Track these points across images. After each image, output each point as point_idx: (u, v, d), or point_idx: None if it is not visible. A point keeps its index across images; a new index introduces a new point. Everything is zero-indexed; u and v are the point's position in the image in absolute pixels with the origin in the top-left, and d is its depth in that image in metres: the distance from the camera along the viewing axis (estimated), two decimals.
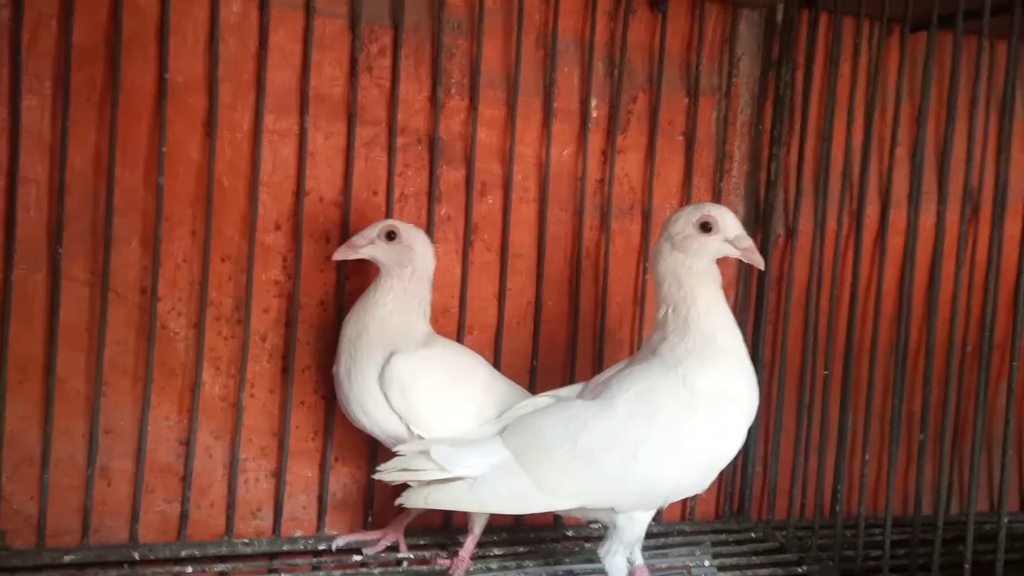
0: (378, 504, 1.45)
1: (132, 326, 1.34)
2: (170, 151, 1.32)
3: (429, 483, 1.14)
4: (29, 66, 1.26)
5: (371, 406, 1.26)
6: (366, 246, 1.27)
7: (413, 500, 1.14)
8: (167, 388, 1.36)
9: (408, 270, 1.27)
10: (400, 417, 1.25)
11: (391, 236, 1.27)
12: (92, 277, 1.31)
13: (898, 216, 1.59)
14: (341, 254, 1.28)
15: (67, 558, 1.28)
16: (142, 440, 1.34)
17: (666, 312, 1.16)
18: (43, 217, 1.29)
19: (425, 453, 1.14)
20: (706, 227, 1.14)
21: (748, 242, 1.15)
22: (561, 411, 1.16)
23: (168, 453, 1.37)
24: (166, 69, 1.31)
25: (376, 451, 1.43)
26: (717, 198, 1.61)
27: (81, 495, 1.31)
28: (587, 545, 1.44)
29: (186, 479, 1.36)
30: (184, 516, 1.36)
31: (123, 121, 1.30)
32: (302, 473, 1.43)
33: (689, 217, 1.15)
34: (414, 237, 1.28)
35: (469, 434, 1.20)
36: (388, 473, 1.15)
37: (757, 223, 1.64)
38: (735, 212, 1.59)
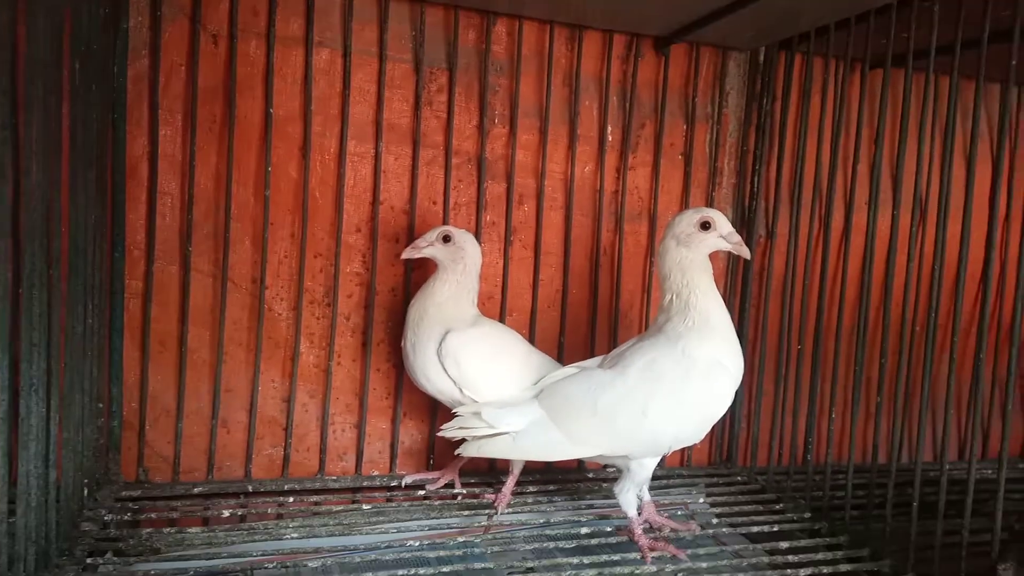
0: (438, 451, 1.47)
1: (245, 308, 1.36)
2: (274, 170, 1.34)
3: (481, 438, 1.16)
4: (164, 103, 1.29)
5: (432, 373, 1.26)
6: (427, 247, 1.28)
7: (469, 450, 1.16)
8: (273, 357, 1.38)
9: (460, 266, 1.28)
10: (455, 382, 1.25)
11: (447, 239, 1.28)
12: (215, 270, 1.34)
13: (859, 219, 1.57)
14: (407, 254, 1.28)
15: (196, 490, 1.31)
16: (254, 398, 1.36)
17: (671, 298, 1.16)
18: (176, 223, 1.32)
19: (477, 414, 1.17)
20: (705, 226, 1.14)
21: (737, 237, 1.16)
22: (585, 378, 1.16)
23: (274, 408, 1.39)
24: (271, 105, 1.33)
25: (436, 409, 1.44)
26: (711, 205, 1.60)
27: (207, 440, 1.35)
28: (604, 485, 1.45)
29: (288, 429, 1.39)
30: (286, 458, 1.39)
31: (237, 147, 1.32)
32: (378, 425, 1.45)
33: (692, 218, 1.15)
34: (465, 240, 1.29)
35: (512, 398, 1.21)
36: (449, 431, 1.17)
37: (742, 226, 1.62)
38: (726, 216, 1.62)
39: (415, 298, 1.31)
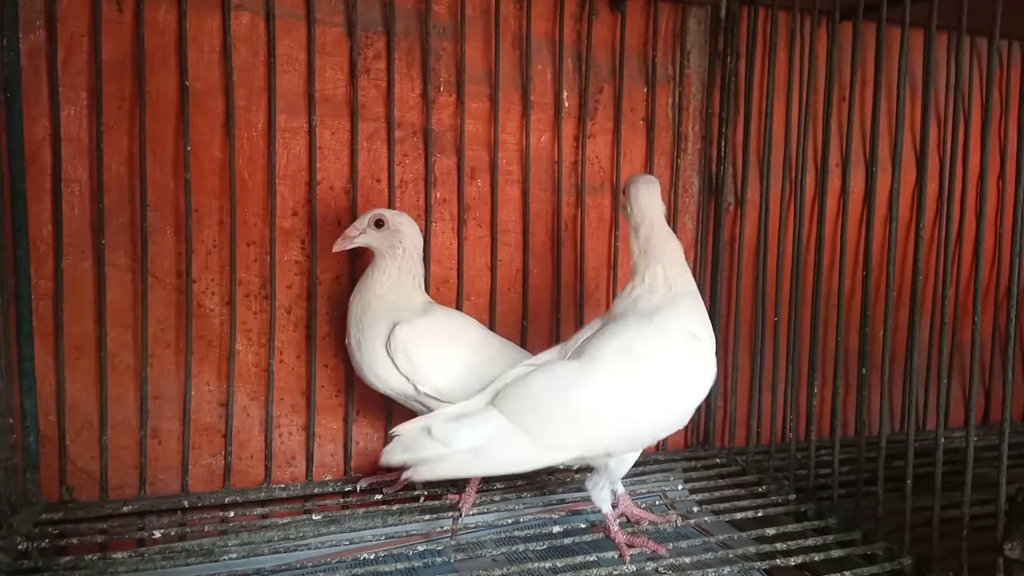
0: None
1: (171, 305, 1.26)
2: (195, 150, 1.24)
3: (432, 459, 0.98)
4: (65, 80, 1.18)
5: (381, 370, 1.19)
6: (359, 236, 1.19)
7: (421, 473, 0.95)
8: (206, 358, 1.29)
9: (399, 251, 1.19)
10: (407, 379, 1.17)
11: (379, 224, 1.19)
12: (133, 264, 1.24)
13: (833, 182, 1.52)
14: (338, 246, 1.19)
15: (126, 508, 1.21)
16: (187, 404, 1.27)
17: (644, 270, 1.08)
18: (86, 213, 1.21)
19: (426, 429, 0.98)
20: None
21: None
22: (548, 373, 1.02)
23: (210, 414, 1.30)
24: (186, 77, 1.22)
25: (392, 405, 1.36)
26: (675, 174, 1.53)
27: (136, 453, 1.25)
28: (576, 476, 1.37)
29: (227, 436, 1.30)
30: (227, 468, 1.30)
31: (151, 125, 1.22)
32: (328, 426, 1.37)
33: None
34: (400, 221, 1.20)
35: (464, 406, 1.04)
36: (394, 455, 0.96)
37: (710, 194, 1.56)
38: (691, 185, 1.56)
39: (355, 291, 1.22)
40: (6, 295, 1.13)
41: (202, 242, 1.26)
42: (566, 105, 1.45)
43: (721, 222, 1.54)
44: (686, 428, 1.58)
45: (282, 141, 1.29)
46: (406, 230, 1.20)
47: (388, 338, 1.17)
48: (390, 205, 1.34)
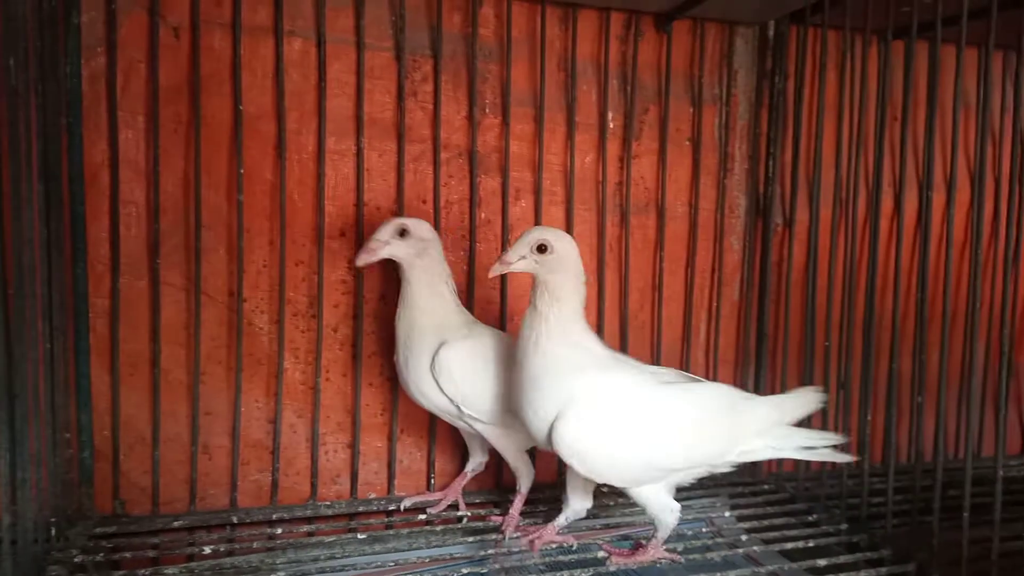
0: (439, 469, 1.38)
1: (223, 324, 1.28)
2: (247, 172, 1.26)
3: None
4: (124, 104, 1.20)
5: (427, 389, 1.18)
6: (385, 248, 1.17)
7: None
8: (255, 375, 1.30)
9: (426, 260, 1.18)
10: (451, 399, 1.16)
11: (404, 233, 1.17)
12: (187, 283, 1.25)
13: (886, 203, 1.48)
14: (363, 260, 1.16)
15: (177, 523, 1.22)
16: (236, 420, 1.28)
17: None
18: (143, 234, 1.23)
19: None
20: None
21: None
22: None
23: (259, 431, 1.31)
24: (240, 102, 1.24)
25: (435, 424, 1.36)
26: (721, 194, 1.50)
27: (187, 468, 1.26)
28: (620, 499, 1.34)
29: (275, 452, 1.30)
30: (275, 484, 1.31)
31: (206, 148, 1.24)
32: (373, 444, 1.36)
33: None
34: (421, 227, 1.18)
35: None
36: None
37: (758, 215, 1.53)
38: (738, 206, 1.53)
39: (399, 309, 1.21)
40: (65, 313, 1.15)
41: (253, 262, 1.28)
42: (611, 126, 1.43)
43: (769, 243, 1.51)
44: None
45: (331, 163, 1.30)
46: (430, 236, 1.18)
47: (433, 359, 1.16)
48: (436, 224, 1.34)
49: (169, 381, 1.25)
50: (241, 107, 1.24)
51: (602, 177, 1.43)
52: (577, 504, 1.15)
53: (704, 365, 1.54)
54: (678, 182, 1.49)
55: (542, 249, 1.04)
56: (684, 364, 1.51)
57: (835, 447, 1.12)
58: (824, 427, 1.41)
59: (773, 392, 1.50)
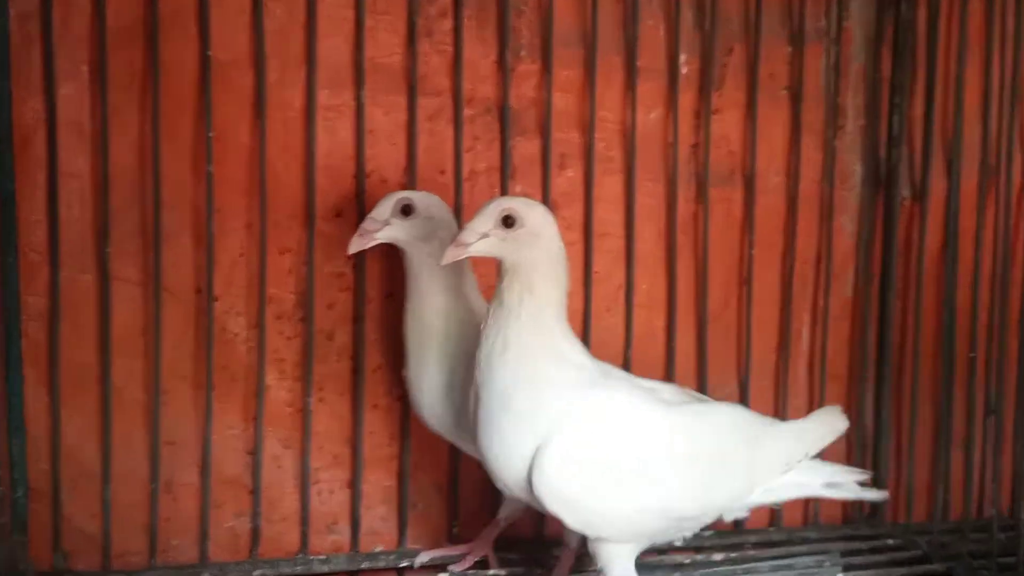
0: (464, 514, 1.37)
1: (189, 328, 1.27)
2: (218, 136, 1.25)
3: None
4: (63, 51, 1.20)
5: (444, 412, 1.17)
6: (384, 230, 1.15)
7: None
8: (230, 394, 1.29)
9: (436, 244, 1.15)
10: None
11: (407, 210, 1.15)
12: (144, 277, 1.25)
13: None
14: (356, 245, 1.15)
15: None
16: (206, 451, 1.27)
17: None
18: (88, 214, 1.23)
19: None
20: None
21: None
22: None
23: (235, 464, 1.30)
24: (208, 46, 1.23)
25: (458, 456, 1.33)
26: (829, 159, 1.46)
27: (146, 512, 1.26)
28: (697, 556, 1.33)
29: (255, 492, 1.29)
30: (255, 532, 1.30)
31: (166, 106, 1.23)
32: (379, 482, 1.35)
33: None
34: (430, 204, 1.17)
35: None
36: None
37: (878, 185, 1.48)
38: (852, 174, 1.48)
39: (406, 310, 1.20)
40: None
41: (226, 250, 1.27)
42: (684, 71, 1.40)
43: (893, 222, 1.47)
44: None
45: (324, 123, 1.29)
46: (440, 214, 1.17)
47: (452, 375, 1.16)
48: (457, 202, 1.32)
49: (123, 401, 1.25)
50: (210, 53, 1.23)
51: (673, 138, 1.41)
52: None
53: (806, 382, 1.49)
54: (772, 144, 1.45)
55: (509, 222, 1.01)
56: (781, 380, 1.47)
57: (861, 483, 1.15)
58: (967, 464, 1.36)
59: (899, 419, 1.48)
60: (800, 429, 1.15)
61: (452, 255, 1.01)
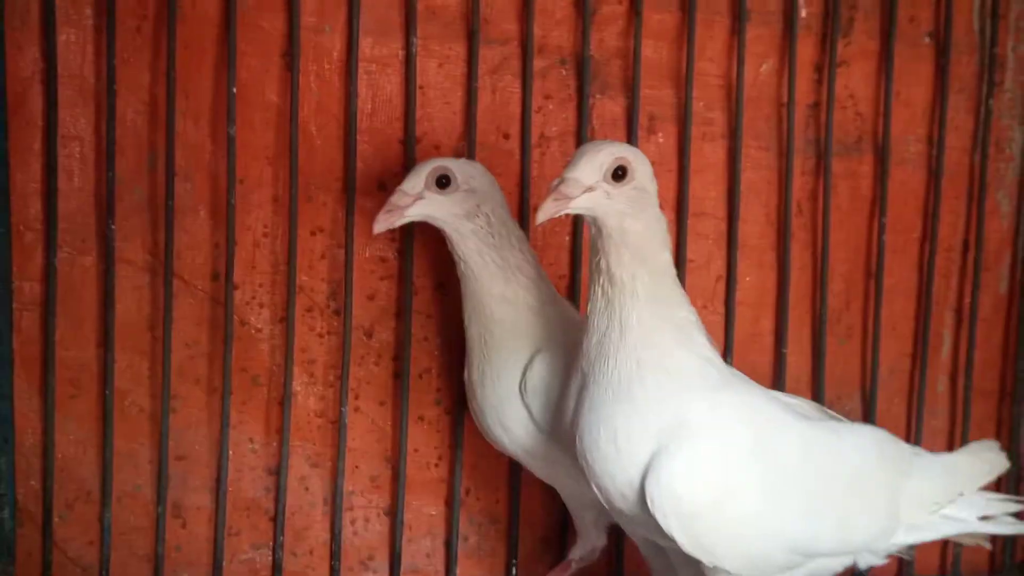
0: (524, 550, 1.41)
1: (204, 322, 1.33)
2: (242, 93, 1.30)
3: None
4: None
5: (511, 420, 1.21)
6: (414, 204, 1.18)
7: None
8: (250, 402, 1.35)
9: (481, 220, 1.19)
10: (548, 436, 1.19)
11: (444, 182, 1.18)
12: (152, 260, 1.31)
13: None
14: (381, 224, 1.18)
15: None
16: (222, 469, 1.33)
17: None
18: (90, 185, 1.29)
19: None
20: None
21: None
22: None
23: (254, 485, 1.36)
24: None
25: (519, 479, 1.39)
26: (982, 124, 1.50)
27: (150, 539, 1.32)
28: None
29: (277, 519, 1.35)
30: (277, 566, 1.35)
31: (182, 56, 1.29)
32: (424, 510, 1.40)
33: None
34: (472, 173, 1.20)
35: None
36: None
37: None
38: (1011, 142, 1.52)
39: (465, 302, 1.24)
40: None
41: (248, 228, 1.33)
42: (802, 14, 1.44)
43: None
44: (994, 541, 1.52)
45: (367, 77, 1.33)
46: (484, 186, 1.20)
47: (524, 374, 1.19)
48: (524, 173, 1.37)
49: (126, 408, 1.31)
50: None
51: (788, 97, 1.44)
52: None
53: (948, 398, 1.53)
54: (911, 105, 1.48)
55: (620, 174, 1.01)
56: (915, 395, 1.51)
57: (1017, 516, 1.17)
58: None
59: None
60: (953, 464, 1.17)
61: (550, 210, 1.00)
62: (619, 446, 1.03)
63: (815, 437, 1.08)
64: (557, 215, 1.01)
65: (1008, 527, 1.17)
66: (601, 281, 1.03)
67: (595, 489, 1.07)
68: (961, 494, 1.15)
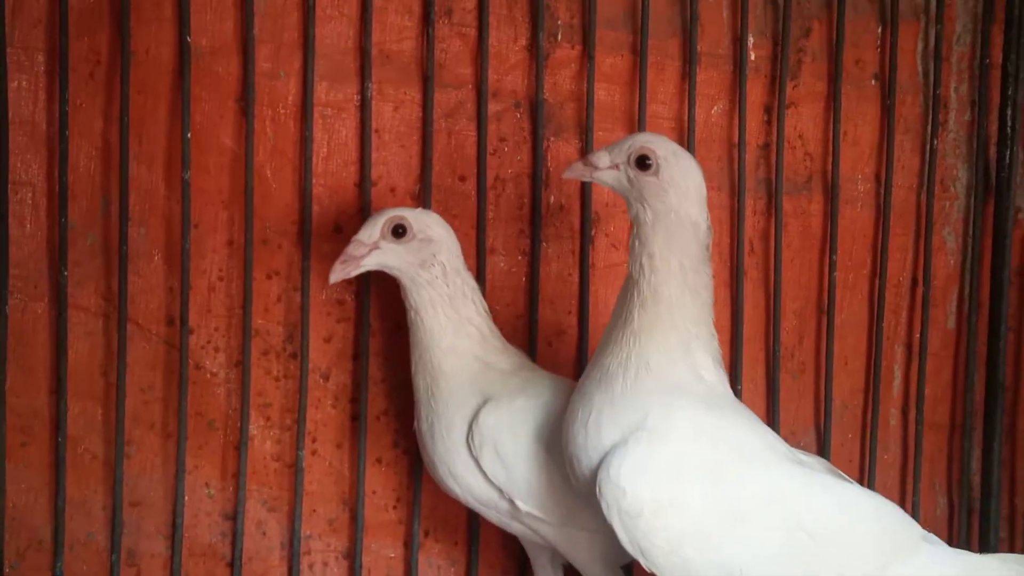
0: None
1: (159, 367, 1.33)
2: (196, 137, 1.31)
3: None
4: (15, 36, 1.26)
5: (462, 472, 1.21)
6: (370, 254, 1.20)
7: None
8: (205, 447, 1.34)
9: (437, 270, 1.21)
10: (499, 489, 1.19)
11: (399, 232, 1.20)
12: (106, 305, 1.31)
13: None
14: (338, 273, 1.20)
15: None
16: (177, 515, 1.32)
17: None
18: (42, 231, 1.29)
19: None
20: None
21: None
22: None
23: (211, 531, 1.35)
24: (188, 31, 1.29)
25: (477, 521, 1.39)
26: (927, 163, 1.53)
27: None
28: None
29: (235, 564, 1.34)
30: None
31: (136, 102, 1.29)
32: (383, 553, 1.40)
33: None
34: (427, 223, 1.21)
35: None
36: None
37: (987, 194, 1.54)
38: (955, 180, 1.55)
39: (413, 350, 1.24)
40: None
41: (203, 272, 1.33)
42: (752, 58, 1.46)
43: (1006, 238, 1.52)
44: None
45: (322, 122, 1.34)
46: (439, 235, 1.21)
47: (470, 427, 1.20)
48: (481, 213, 1.38)
49: (78, 455, 1.30)
50: (189, 39, 1.28)
51: (739, 138, 1.46)
52: None
53: (899, 432, 1.55)
54: (858, 144, 1.50)
55: (644, 163, 1.05)
56: (869, 427, 1.52)
57: None
58: None
59: (1012, 478, 1.50)
60: (975, 566, 1.10)
61: (577, 172, 1.10)
62: (589, 431, 1.05)
63: (794, 481, 1.07)
64: (583, 178, 1.12)
65: None
66: (635, 271, 1.08)
67: (567, 467, 1.09)
68: None
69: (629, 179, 1.07)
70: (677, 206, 1.06)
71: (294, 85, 1.33)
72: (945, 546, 1.12)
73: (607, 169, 1.08)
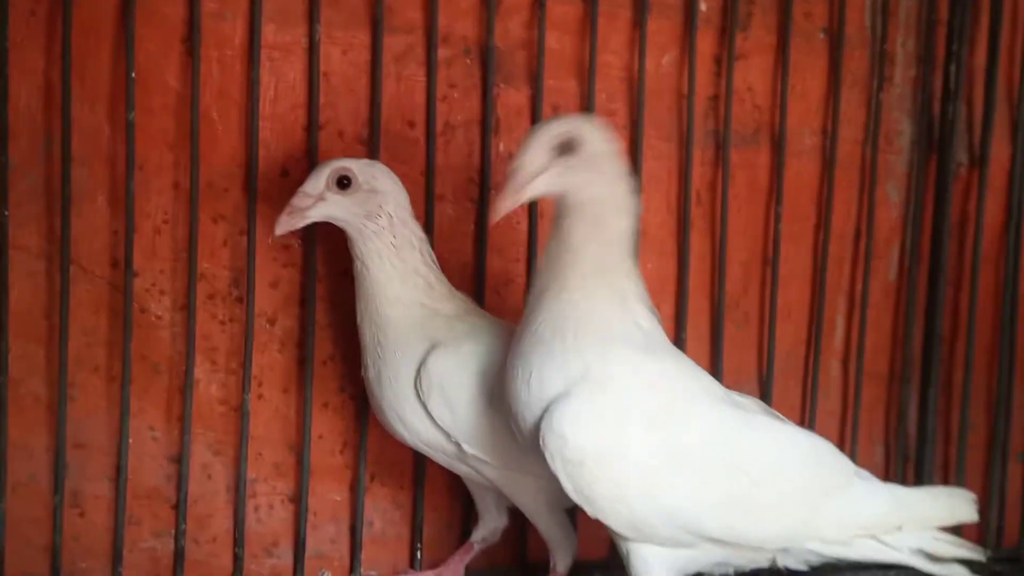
0: (429, 534, 1.43)
1: (103, 310, 1.32)
2: (141, 78, 1.29)
3: None
4: None
5: (410, 416, 1.22)
6: (315, 207, 1.20)
7: None
8: (150, 389, 1.34)
9: (383, 221, 1.21)
10: (447, 433, 1.21)
11: (344, 183, 1.20)
12: (48, 247, 1.29)
13: None
14: (283, 225, 1.20)
15: None
16: (121, 457, 1.32)
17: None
18: None
19: None
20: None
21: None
22: None
23: (156, 474, 1.35)
24: None
25: (423, 465, 1.40)
26: (873, 117, 1.54)
27: (47, 529, 1.31)
28: None
29: (179, 507, 1.35)
30: (179, 555, 1.35)
31: (78, 41, 1.27)
32: (329, 497, 1.41)
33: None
34: (373, 174, 1.21)
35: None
36: None
37: (930, 148, 1.56)
38: (900, 135, 1.56)
39: (359, 300, 1.25)
40: None
41: (148, 215, 1.31)
42: (703, 8, 1.46)
43: (947, 192, 1.54)
44: None
45: (269, 64, 1.33)
46: (386, 186, 1.21)
47: (418, 371, 1.20)
48: (430, 160, 1.38)
49: (20, 396, 1.29)
50: None
51: (688, 88, 1.46)
52: None
53: (840, 381, 1.58)
54: (806, 97, 1.51)
55: (568, 148, 1.03)
56: (809, 378, 1.55)
57: (969, 564, 1.15)
58: None
59: (947, 426, 1.54)
60: (902, 497, 1.14)
61: (507, 205, 1.03)
62: (531, 386, 1.06)
63: (733, 424, 1.09)
64: (514, 207, 1.05)
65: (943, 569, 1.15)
66: (554, 242, 1.07)
67: (512, 423, 1.10)
68: (899, 528, 1.13)
69: (562, 172, 1.03)
70: (615, 169, 1.06)
71: (240, 26, 1.32)
72: (877, 480, 1.16)
73: (535, 180, 1.03)
